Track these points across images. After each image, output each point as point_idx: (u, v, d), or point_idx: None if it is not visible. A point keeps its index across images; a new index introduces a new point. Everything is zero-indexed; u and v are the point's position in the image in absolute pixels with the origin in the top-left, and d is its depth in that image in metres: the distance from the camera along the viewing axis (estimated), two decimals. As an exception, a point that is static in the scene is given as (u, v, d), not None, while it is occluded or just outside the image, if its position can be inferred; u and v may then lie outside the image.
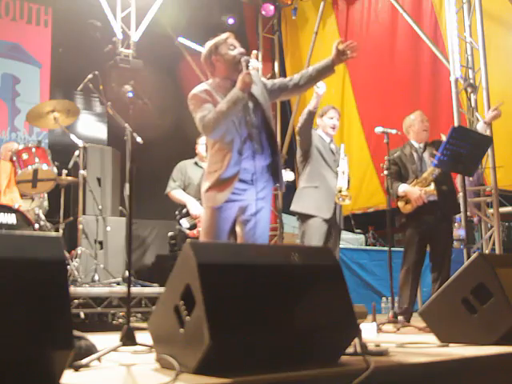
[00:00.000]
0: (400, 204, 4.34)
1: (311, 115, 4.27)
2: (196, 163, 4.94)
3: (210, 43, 3.06)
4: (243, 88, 2.85)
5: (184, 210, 4.76)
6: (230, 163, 2.88)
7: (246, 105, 2.99)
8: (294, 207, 4.46)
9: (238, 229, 3.07)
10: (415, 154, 4.45)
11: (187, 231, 4.65)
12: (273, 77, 7.99)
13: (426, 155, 4.43)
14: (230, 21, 7.47)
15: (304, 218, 4.35)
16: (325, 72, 3.08)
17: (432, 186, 4.23)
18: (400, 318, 4.07)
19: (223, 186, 2.89)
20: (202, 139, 4.87)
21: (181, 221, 4.70)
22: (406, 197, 4.29)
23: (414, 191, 4.24)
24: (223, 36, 3.04)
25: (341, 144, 4.59)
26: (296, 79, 3.13)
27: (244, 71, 2.87)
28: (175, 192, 4.84)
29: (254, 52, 3.00)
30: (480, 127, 4.52)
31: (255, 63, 3.24)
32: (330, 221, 4.29)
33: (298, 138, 4.52)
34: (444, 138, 4.25)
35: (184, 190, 4.84)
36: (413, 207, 4.27)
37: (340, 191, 4.29)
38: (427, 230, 4.29)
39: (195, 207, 4.67)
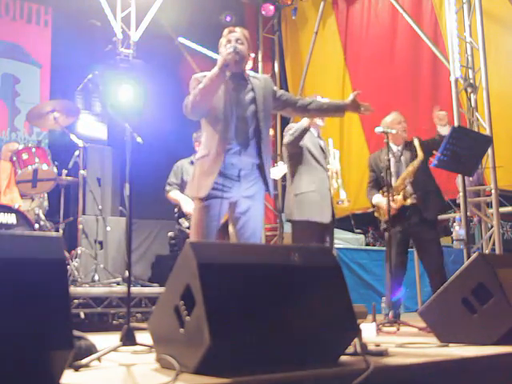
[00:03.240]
0: (376, 214, 4.40)
1: (305, 133, 4.19)
2: (192, 162, 4.91)
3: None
4: (221, 64, 2.88)
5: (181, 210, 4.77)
6: (216, 152, 2.90)
7: (242, 98, 3.00)
8: (296, 216, 4.21)
9: (230, 228, 3.07)
10: (392, 159, 4.38)
11: (187, 230, 4.65)
12: (273, 77, 8.00)
13: (403, 158, 4.39)
14: (228, 18, 7.46)
15: (304, 224, 4.20)
16: (335, 111, 3.24)
17: (400, 196, 4.25)
18: (390, 315, 4.04)
19: (207, 174, 2.90)
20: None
21: (180, 220, 4.70)
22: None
23: (383, 203, 4.25)
24: (223, 34, 3.11)
25: (328, 139, 4.49)
26: (306, 101, 3.21)
27: (227, 52, 2.90)
28: (171, 193, 4.89)
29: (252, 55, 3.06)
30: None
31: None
32: (328, 224, 4.27)
33: (284, 148, 4.39)
34: (416, 141, 4.25)
35: (181, 190, 4.83)
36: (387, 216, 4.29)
37: (337, 194, 4.28)
38: (407, 233, 4.30)
39: (188, 205, 4.65)
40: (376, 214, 4.41)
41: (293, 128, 4.24)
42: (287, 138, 4.29)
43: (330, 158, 4.40)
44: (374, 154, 4.42)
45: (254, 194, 3.00)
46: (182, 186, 4.85)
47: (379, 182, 4.40)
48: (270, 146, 3.23)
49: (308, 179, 4.25)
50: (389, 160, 4.25)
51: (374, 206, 4.43)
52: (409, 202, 4.25)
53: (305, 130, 4.16)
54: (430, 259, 4.25)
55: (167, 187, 4.92)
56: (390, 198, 4.19)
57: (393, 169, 4.38)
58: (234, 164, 2.93)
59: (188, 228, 4.65)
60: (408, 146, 4.42)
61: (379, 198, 4.36)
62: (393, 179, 4.35)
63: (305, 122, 4.16)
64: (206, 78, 2.92)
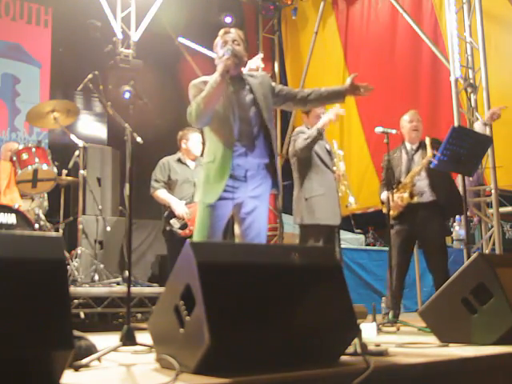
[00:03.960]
0: (384, 210, 4.38)
1: (321, 135, 4.22)
2: (179, 160, 4.83)
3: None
4: (222, 71, 2.87)
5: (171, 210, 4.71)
6: (222, 157, 2.90)
7: (243, 100, 2.99)
8: (307, 220, 4.25)
9: (236, 228, 3.07)
10: (405, 157, 4.45)
11: (179, 231, 4.61)
12: (273, 77, 7.99)
13: (417, 157, 4.42)
14: (228, 19, 7.46)
15: (314, 228, 4.25)
16: (335, 97, 3.22)
17: (407, 194, 4.25)
18: (390, 315, 4.05)
19: (216, 180, 2.90)
20: (193, 135, 4.80)
21: (171, 221, 4.63)
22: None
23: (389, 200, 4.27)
24: (219, 34, 3.10)
25: (333, 141, 4.52)
26: (305, 93, 3.18)
27: (225, 57, 2.89)
28: (159, 192, 4.74)
29: (261, 55, 3.06)
30: (478, 127, 4.50)
31: (256, 61, 3.26)
32: (337, 226, 4.29)
33: (292, 154, 4.37)
34: (428, 140, 4.28)
35: (168, 189, 4.75)
36: (395, 213, 4.32)
37: (346, 196, 4.30)
38: (412, 231, 4.31)
39: (180, 207, 4.60)
40: (384, 211, 4.39)
41: (304, 133, 4.25)
42: (303, 143, 4.25)
43: (335, 161, 4.42)
44: (388, 152, 4.43)
45: (260, 195, 3.00)
46: (169, 185, 4.77)
47: (390, 181, 4.40)
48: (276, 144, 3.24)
49: (317, 183, 4.29)
50: (400, 158, 4.32)
51: (383, 203, 4.43)
52: (416, 200, 4.25)
53: (320, 133, 4.19)
54: (437, 259, 4.26)
55: (154, 184, 4.76)
56: (397, 196, 4.25)
57: (404, 167, 4.41)
58: (240, 165, 2.93)
59: (180, 229, 4.59)
60: (423, 145, 4.44)
61: (385, 195, 4.34)
62: (403, 177, 4.38)
63: (325, 121, 4.19)
64: (208, 85, 2.89)
